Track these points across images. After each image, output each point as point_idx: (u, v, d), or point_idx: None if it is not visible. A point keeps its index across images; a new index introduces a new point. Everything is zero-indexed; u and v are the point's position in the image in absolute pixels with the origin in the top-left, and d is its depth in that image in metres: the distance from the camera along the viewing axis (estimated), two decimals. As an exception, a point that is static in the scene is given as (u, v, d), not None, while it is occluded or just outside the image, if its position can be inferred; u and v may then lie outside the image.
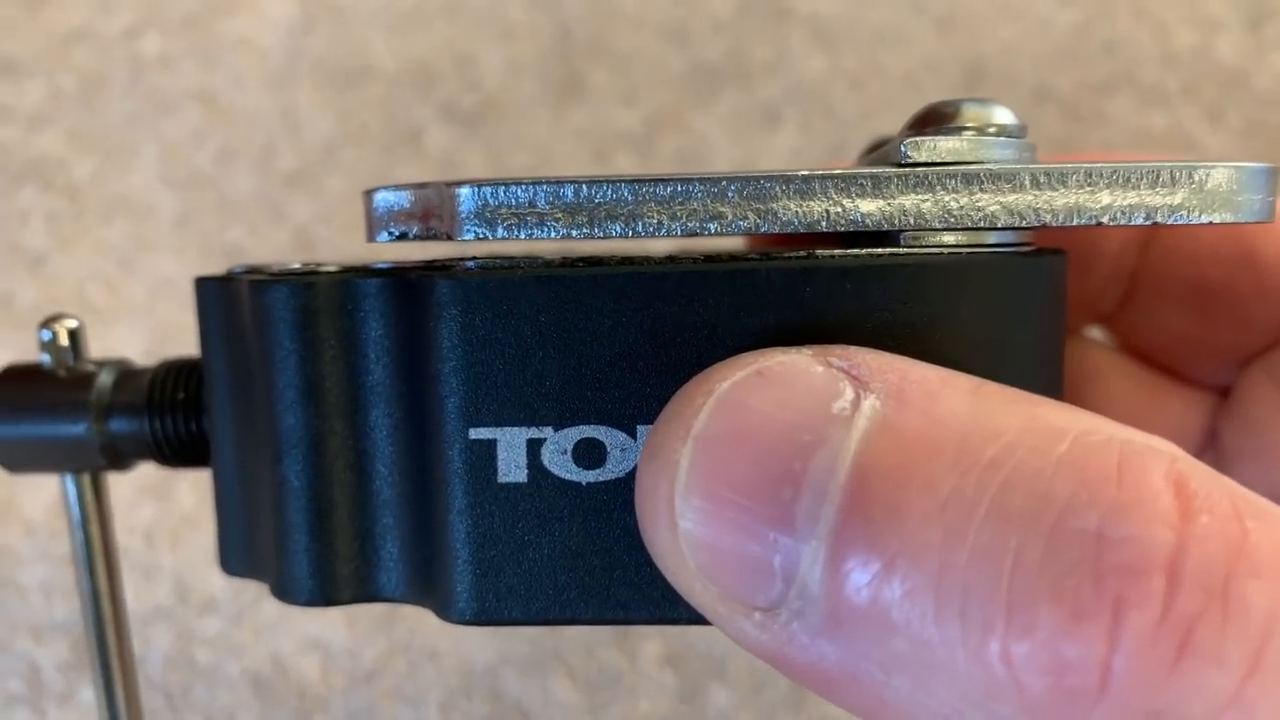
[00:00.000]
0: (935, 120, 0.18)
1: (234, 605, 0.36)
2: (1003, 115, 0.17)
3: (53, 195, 0.39)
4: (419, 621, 0.36)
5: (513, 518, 0.18)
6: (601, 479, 0.17)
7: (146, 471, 0.27)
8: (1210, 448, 0.25)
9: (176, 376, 0.22)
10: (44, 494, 0.37)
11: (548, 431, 0.17)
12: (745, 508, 0.15)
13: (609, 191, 0.17)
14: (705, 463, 0.15)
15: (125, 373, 0.23)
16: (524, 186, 0.17)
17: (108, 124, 0.39)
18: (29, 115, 0.39)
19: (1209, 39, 0.38)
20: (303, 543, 0.19)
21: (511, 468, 0.17)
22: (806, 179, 0.17)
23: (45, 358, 0.23)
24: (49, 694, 0.36)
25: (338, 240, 0.38)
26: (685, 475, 0.15)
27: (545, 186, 0.17)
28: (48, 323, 0.23)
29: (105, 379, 0.23)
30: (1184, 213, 0.17)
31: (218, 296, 0.20)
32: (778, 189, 0.17)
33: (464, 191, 0.17)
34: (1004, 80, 0.38)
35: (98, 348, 0.38)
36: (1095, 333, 0.27)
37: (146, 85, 0.39)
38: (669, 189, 0.17)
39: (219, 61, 0.39)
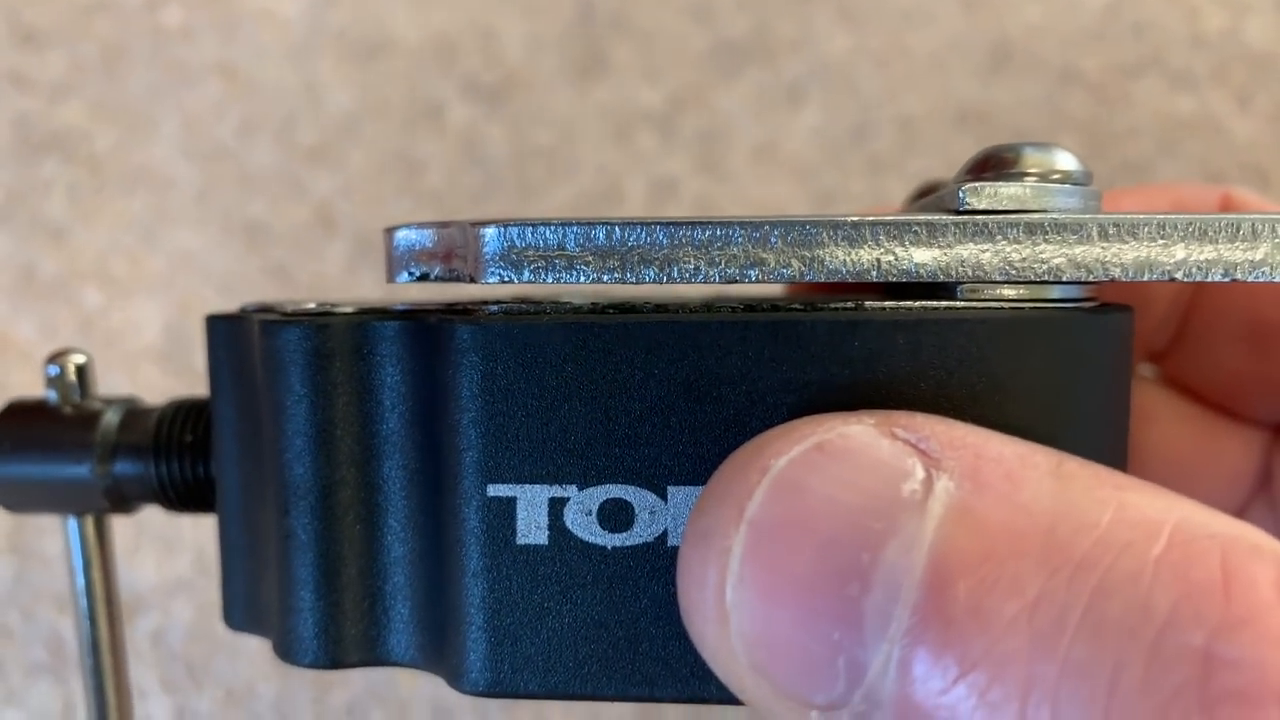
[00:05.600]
0: (994, 165, 0.17)
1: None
2: (1066, 160, 0.17)
3: (75, 166, 0.39)
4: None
5: (531, 583, 0.16)
6: (628, 543, 0.16)
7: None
8: (1264, 489, 0.25)
9: (185, 417, 0.21)
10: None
11: (571, 490, 0.16)
12: (807, 603, 0.13)
13: (643, 235, 0.16)
14: (762, 552, 0.14)
15: (132, 412, 0.22)
16: (553, 228, 0.16)
17: (129, 95, 0.39)
18: (51, 86, 0.39)
19: (1239, 21, 0.38)
20: (308, 600, 0.18)
21: (532, 528, 0.16)
22: (856, 225, 0.16)
23: (51, 394, 0.22)
24: (72, 663, 0.37)
25: (359, 215, 0.38)
26: (739, 565, 0.14)
27: (575, 228, 0.16)
28: (55, 357, 0.22)
29: (111, 418, 0.22)
30: (1267, 269, 0.15)
31: (228, 335, 0.20)
32: (824, 235, 0.16)
33: (489, 232, 0.16)
34: (1030, 61, 0.38)
35: (119, 319, 0.38)
36: (1146, 370, 0.26)
37: (168, 56, 0.39)
38: (707, 233, 0.16)
39: (240, 33, 0.39)
